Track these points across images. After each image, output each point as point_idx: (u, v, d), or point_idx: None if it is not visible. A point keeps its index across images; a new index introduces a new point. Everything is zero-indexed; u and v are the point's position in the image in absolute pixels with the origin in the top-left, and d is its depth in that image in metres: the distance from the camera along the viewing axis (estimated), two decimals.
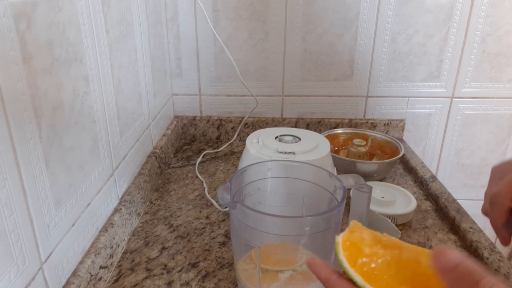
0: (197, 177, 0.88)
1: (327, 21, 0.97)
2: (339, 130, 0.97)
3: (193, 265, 0.61)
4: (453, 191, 1.13)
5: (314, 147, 0.65)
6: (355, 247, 0.32)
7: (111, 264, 0.60)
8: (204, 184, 0.84)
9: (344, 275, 0.32)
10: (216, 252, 0.64)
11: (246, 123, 1.06)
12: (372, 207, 0.70)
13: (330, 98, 1.05)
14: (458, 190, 1.14)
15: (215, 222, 0.72)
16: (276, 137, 0.67)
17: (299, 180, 0.53)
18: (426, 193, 0.82)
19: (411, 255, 0.31)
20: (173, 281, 0.58)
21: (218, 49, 1.00)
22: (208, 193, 0.81)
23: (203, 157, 0.97)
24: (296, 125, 1.06)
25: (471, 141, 1.09)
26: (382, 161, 0.83)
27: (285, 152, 0.62)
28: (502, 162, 0.50)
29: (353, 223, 0.34)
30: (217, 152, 1.00)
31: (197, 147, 1.04)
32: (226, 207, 0.75)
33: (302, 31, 0.98)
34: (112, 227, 0.60)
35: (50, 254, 0.46)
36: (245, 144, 0.67)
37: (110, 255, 0.59)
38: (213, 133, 1.08)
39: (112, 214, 0.63)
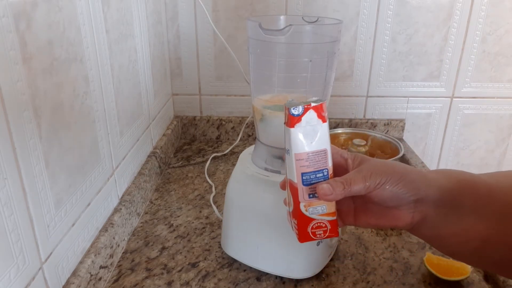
0: (197, 176, 0.88)
1: None
2: (339, 130, 0.97)
3: (193, 265, 0.61)
4: None
5: None
6: None
7: (111, 264, 0.60)
8: (213, 189, 0.82)
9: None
10: (216, 252, 0.64)
11: (247, 124, 1.06)
12: None
13: (330, 98, 1.04)
14: None
15: (215, 222, 0.72)
16: None
17: None
18: None
19: None
20: (173, 281, 0.58)
21: (218, 49, 1.00)
22: (208, 193, 0.81)
23: (203, 157, 0.97)
24: None
25: (471, 141, 1.09)
26: None
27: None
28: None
29: None
30: (224, 155, 0.98)
31: (197, 147, 1.04)
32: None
33: None
34: (112, 227, 0.60)
35: (50, 254, 0.46)
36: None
37: (110, 255, 0.59)
38: (213, 133, 1.08)
39: (112, 214, 0.63)
